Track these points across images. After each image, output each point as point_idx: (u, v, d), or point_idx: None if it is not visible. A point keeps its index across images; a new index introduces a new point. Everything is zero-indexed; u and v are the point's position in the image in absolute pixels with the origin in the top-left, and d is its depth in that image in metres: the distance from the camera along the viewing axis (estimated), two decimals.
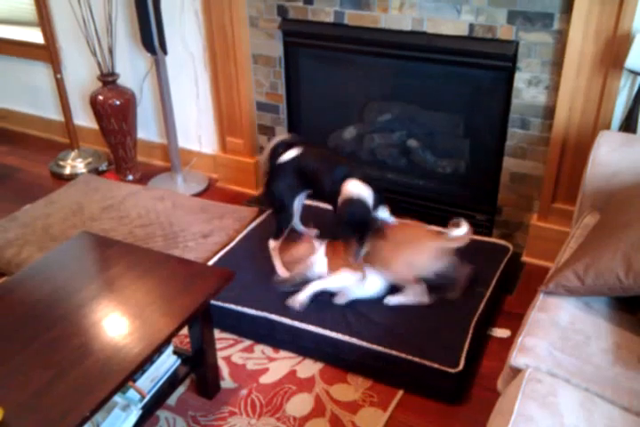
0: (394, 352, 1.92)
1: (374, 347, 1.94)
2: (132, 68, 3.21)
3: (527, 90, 2.30)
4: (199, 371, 1.91)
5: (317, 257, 2.10)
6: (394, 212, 2.46)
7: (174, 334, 1.61)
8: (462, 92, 2.55)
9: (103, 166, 3.41)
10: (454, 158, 2.75)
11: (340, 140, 2.95)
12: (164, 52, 2.89)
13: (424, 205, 2.70)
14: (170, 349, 1.82)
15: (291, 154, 2.21)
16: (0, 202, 3.08)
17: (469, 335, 1.98)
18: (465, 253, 2.38)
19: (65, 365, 1.47)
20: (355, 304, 2.11)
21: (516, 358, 1.44)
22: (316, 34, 2.61)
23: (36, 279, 1.79)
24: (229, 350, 2.14)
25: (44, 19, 3.16)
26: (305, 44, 2.70)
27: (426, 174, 2.79)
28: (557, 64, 2.20)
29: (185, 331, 2.03)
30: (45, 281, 1.77)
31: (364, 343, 1.96)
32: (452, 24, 2.32)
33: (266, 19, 2.69)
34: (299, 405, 1.92)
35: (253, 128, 3.00)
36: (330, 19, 2.55)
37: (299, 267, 2.10)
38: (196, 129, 3.22)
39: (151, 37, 2.80)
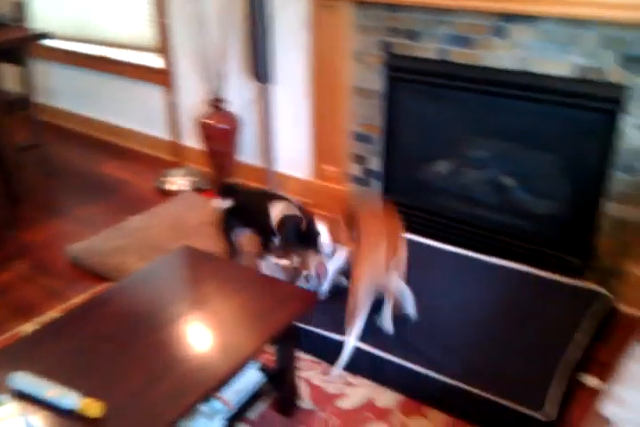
0: (475, 390, 1.89)
1: (457, 383, 1.92)
2: (239, 94, 3.39)
3: (637, 135, 2.24)
4: (281, 389, 1.97)
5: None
6: (480, 249, 2.43)
7: (261, 350, 1.66)
8: (563, 132, 2.52)
9: (204, 185, 3.60)
10: (549, 198, 2.70)
11: (432, 173, 2.98)
12: (272, 81, 3.04)
13: (514, 244, 2.66)
14: (256, 365, 1.89)
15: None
16: (109, 213, 3.31)
17: (565, 383, 1.90)
18: (558, 296, 2.33)
19: (160, 370, 1.55)
20: (439, 337, 2.11)
21: (606, 408, 1.40)
22: (418, 69, 2.68)
23: (139, 287, 1.91)
24: (310, 372, 2.18)
25: (165, 47, 3.42)
26: (407, 79, 2.76)
27: (518, 213, 2.75)
28: None
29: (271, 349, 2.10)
30: (147, 290, 1.89)
31: (447, 379, 1.94)
32: (558, 65, 2.31)
33: (370, 54, 2.79)
34: None
35: (347, 157, 3.09)
36: (433, 55, 2.61)
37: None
38: (293, 155, 3.35)
39: (262, 68, 2.97)
